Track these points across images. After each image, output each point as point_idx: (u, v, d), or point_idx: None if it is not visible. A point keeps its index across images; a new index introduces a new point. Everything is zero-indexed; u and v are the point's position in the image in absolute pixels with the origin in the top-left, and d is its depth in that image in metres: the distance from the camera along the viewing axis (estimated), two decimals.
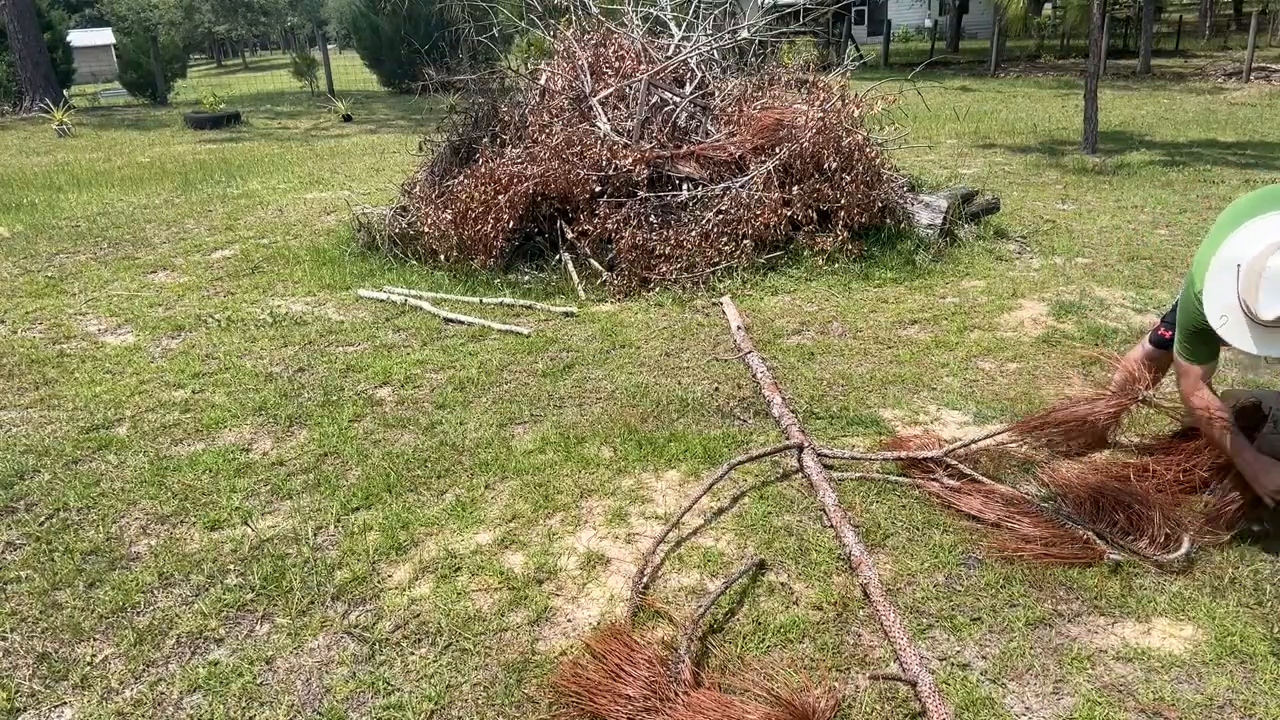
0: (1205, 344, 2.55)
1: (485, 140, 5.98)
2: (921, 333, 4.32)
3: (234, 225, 7.17)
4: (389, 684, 2.12)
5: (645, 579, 2.45)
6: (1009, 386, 3.66)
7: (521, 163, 5.46)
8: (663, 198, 5.39)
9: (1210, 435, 2.62)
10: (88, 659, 2.24)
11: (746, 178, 5.39)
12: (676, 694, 1.94)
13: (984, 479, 2.83)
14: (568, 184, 5.32)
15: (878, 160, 5.74)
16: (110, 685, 2.15)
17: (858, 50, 22.54)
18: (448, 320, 4.67)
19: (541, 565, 2.55)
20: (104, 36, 34.97)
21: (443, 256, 5.47)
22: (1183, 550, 2.43)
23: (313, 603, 2.43)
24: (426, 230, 5.59)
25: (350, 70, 22.64)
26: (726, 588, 2.36)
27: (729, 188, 5.37)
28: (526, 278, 5.32)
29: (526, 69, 7.18)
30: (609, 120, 5.74)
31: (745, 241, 5.22)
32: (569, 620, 2.33)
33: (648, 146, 5.55)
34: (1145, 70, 19.16)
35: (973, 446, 2.95)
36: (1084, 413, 2.67)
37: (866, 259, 5.31)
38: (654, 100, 5.92)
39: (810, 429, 3.31)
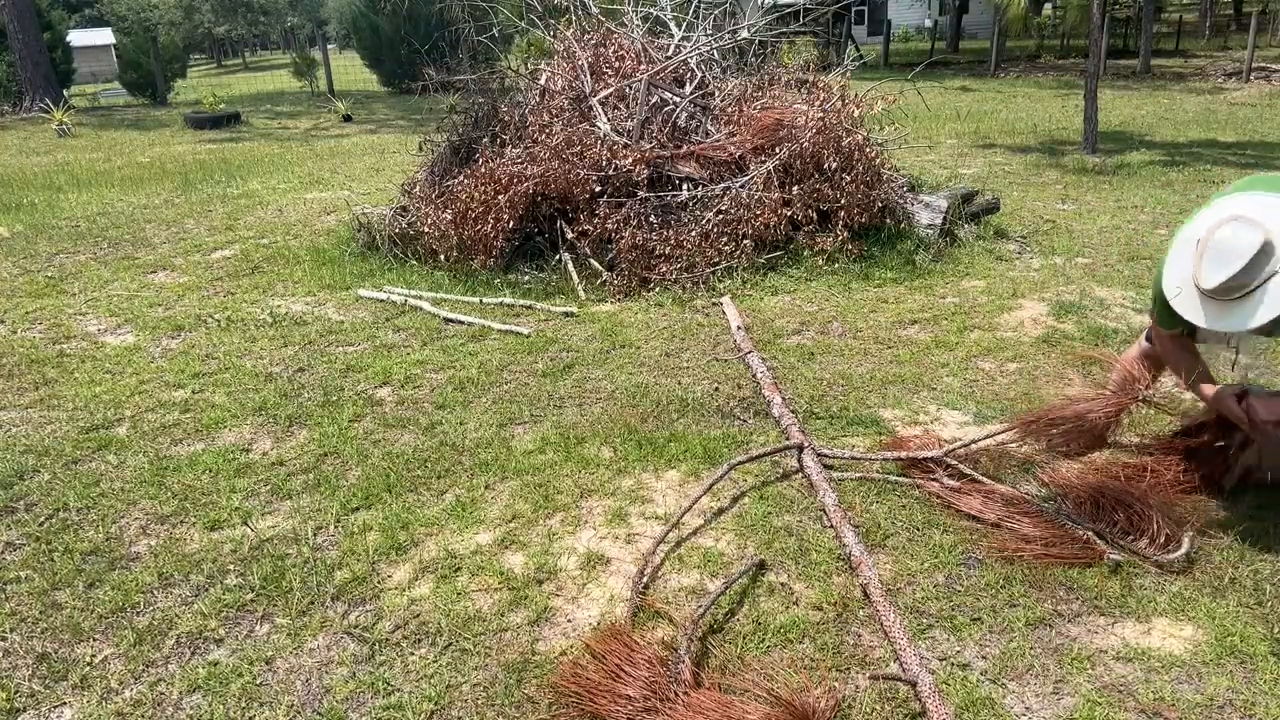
0: (1173, 314, 2.56)
1: (485, 140, 5.98)
2: (921, 333, 4.32)
3: (234, 225, 7.17)
4: (389, 684, 2.12)
5: (645, 579, 2.45)
6: (1009, 386, 3.66)
7: (521, 163, 5.46)
8: (663, 198, 5.39)
9: (1185, 384, 2.72)
10: (87, 659, 2.24)
11: (746, 178, 5.39)
12: (676, 694, 1.94)
13: (984, 479, 2.83)
14: (568, 184, 5.32)
15: (878, 160, 5.74)
16: (110, 685, 2.15)
17: (858, 50, 22.54)
18: (448, 320, 4.67)
19: (541, 565, 2.55)
20: (104, 36, 34.97)
21: (443, 256, 5.47)
22: (1183, 550, 2.43)
23: (313, 603, 2.43)
24: (426, 230, 5.59)
25: (350, 70, 22.64)
26: (726, 588, 2.36)
27: (729, 188, 5.37)
28: (526, 278, 5.32)
29: (526, 69, 7.19)
30: (609, 120, 5.74)
31: (745, 241, 5.22)
32: (569, 620, 2.33)
33: (648, 146, 5.55)
34: (1145, 70, 19.16)
35: (973, 446, 2.95)
36: (1084, 412, 2.67)
37: (866, 259, 5.31)
38: (654, 100, 5.92)
39: (810, 429, 3.31)
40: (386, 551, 2.64)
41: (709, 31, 6.75)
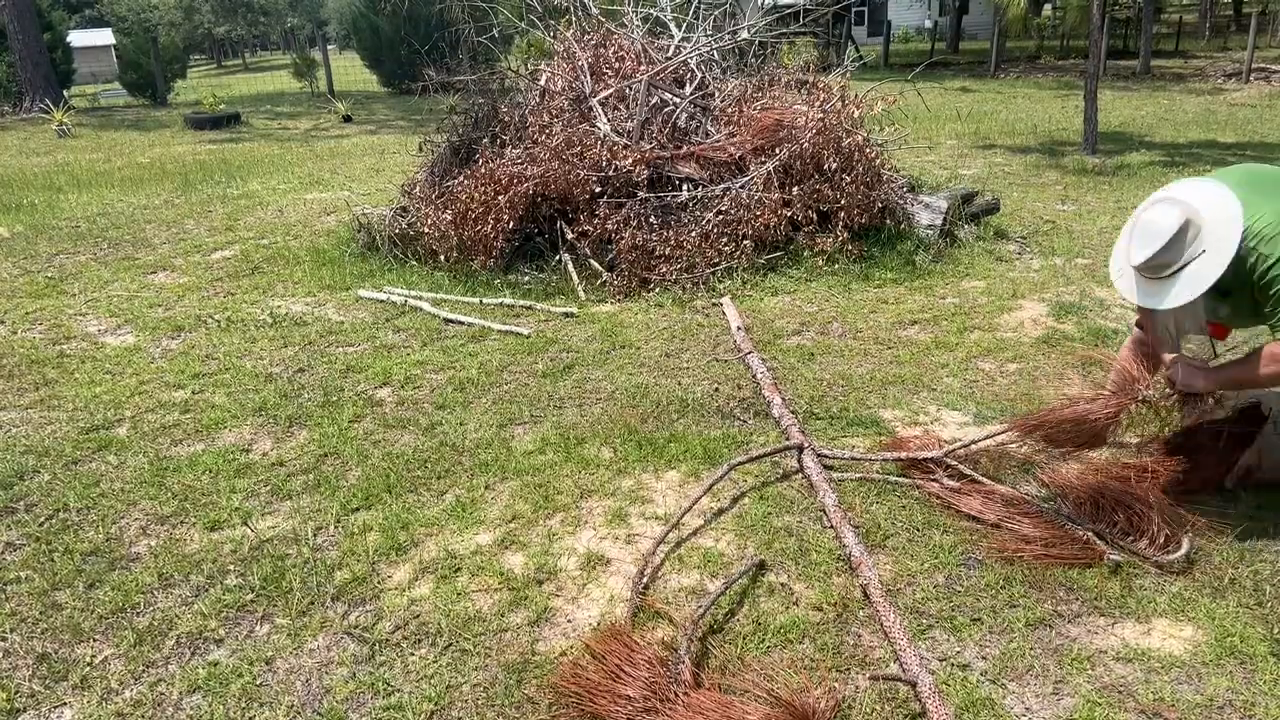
0: None
1: (485, 141, 5.98)
2: (921, 333, 4.32)
3: (234, 226, 7.17)
4: (389, 684, 2.12)
5: (645, 579, 2.45)
6: (1009, 387, 3.66)
7: (521, 163, 5.46)
8: (663, 198, 5.39)
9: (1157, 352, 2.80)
10: (88, 659, 2.24)
11: (746, 178, 5.39)
12: (676, 694, 1.94)
13: (984, 479, 2.83)
14: (568, 184, 5.32)
15: (878, 161, 5.74)
16: (110, 686, 2.15)
17: (858, 51, 22.55)
18: (448, 321, 4.67)
19: (541, 565, 2.55)
20: (104, 37, 34.97)
21: (443, 257, 5.47)
22: (1183, 551, 2.43)
23: (313, 603, 2.43)
24: (426, 231, 5.59)
25: (350, 71, 22.65)
26: (726, 588, 2.36)
27: (729, 188, 5.37)
28: (526, 278, 5.32)
29: (526, 69, 7.19)
30: (609, 121, 5.74)
31: (745, 242, 5.22)
32: (569, 620, 2.33)
33: (648, 147, 5.55)
34: (1145, 71, 19.17)
35: (973, 447, 2.95)
36: (1083, 413, 2.67)
37: (866, 259, 5.32)
38: (654, 101, 5.92)
39: (810, 429, 3.31)
40: (386, 552, 2.64)
41: (709, 32, 6.76)
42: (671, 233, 5.23)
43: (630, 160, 5.35)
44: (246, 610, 2.41)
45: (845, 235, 5.31)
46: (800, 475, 2.96)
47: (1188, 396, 2.68)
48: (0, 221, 7.47)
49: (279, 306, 5.03)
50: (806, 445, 3.00)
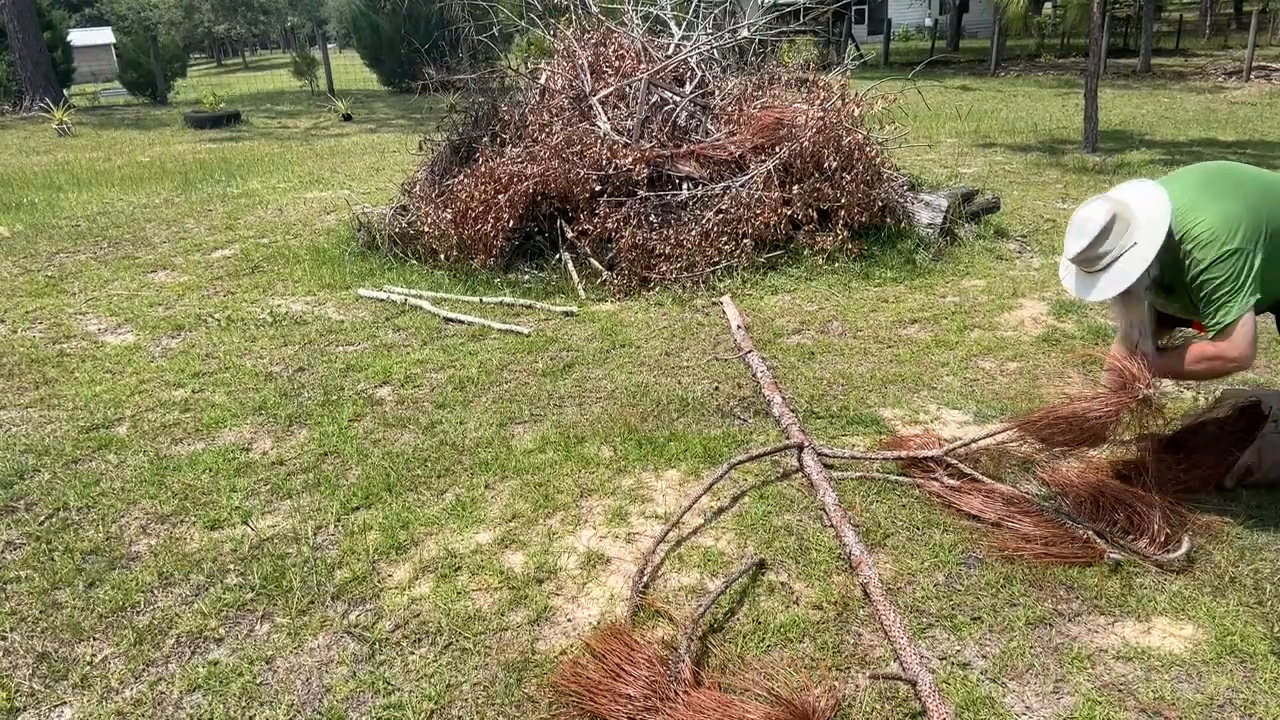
0: None
1: (485, 140, 5.98)
2: (922, 332, 4.32)
3: (234, 225, 7.17)
4: (389, 684, 2.12)
5: (645, 578, 2.45)
6: (1009, 386, 3.66)
7: (521, 162, 5.46)
8: (663, 197, 5.39)
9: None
10: (88, 659, 2.24)
11: (746, 177, 5.39)
12: (676, 693, 1.94)
13: (984, 478, 2.83)
14: (568, 183, 5.32)
15: (878, 159, 5.74)
16: (110, 685, 2.15)
17: (858, 49, 22.54)
18: (448, 320, 4.67)
19: (541, 565, 2.55)
20: (104, 36, 34.97)
21: (443, 256, 5.47)
22: (1183, 550, 2.43)
23: (313, 602, 2.43)
24: (426, 230, 5.59)
25: (350, 70, 22.64)
26: (726, 587, 2.36)
27: (729, 187, 5.37)
28: (526, 277, 5.32)
29: (526, 68, 7.18)
30: (609, 119, 5.74)
31: (745, 241, 5.22)
32: (569, 620, 2.33)
33: (648, 146, 5.55)
34: (1145, 69, 19.16)
35: (973, 446, 2.95)
36: (1084, 412, 2.67)
37: (867, 258, 5.31)
38: (654, 99, 5.92)
39: (810, 428, 3.31)
40: (386, 551, 2.64)
41: (709, 31, 6.75)
42: (671, 231, 5.22)
43: (630, 159, 5.35)
44: (246, 609, 2.41)
45: (845, 234, 5.30)
46: (800, 474, 2.96)
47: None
48: (0, 220, 7.47)
49: (279, 305, 5.03)
50: (806, 444, 3.00)
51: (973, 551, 2.54)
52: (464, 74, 6.93)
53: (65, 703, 2.11)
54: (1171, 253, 2.50)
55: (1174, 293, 2.63)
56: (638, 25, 6.71)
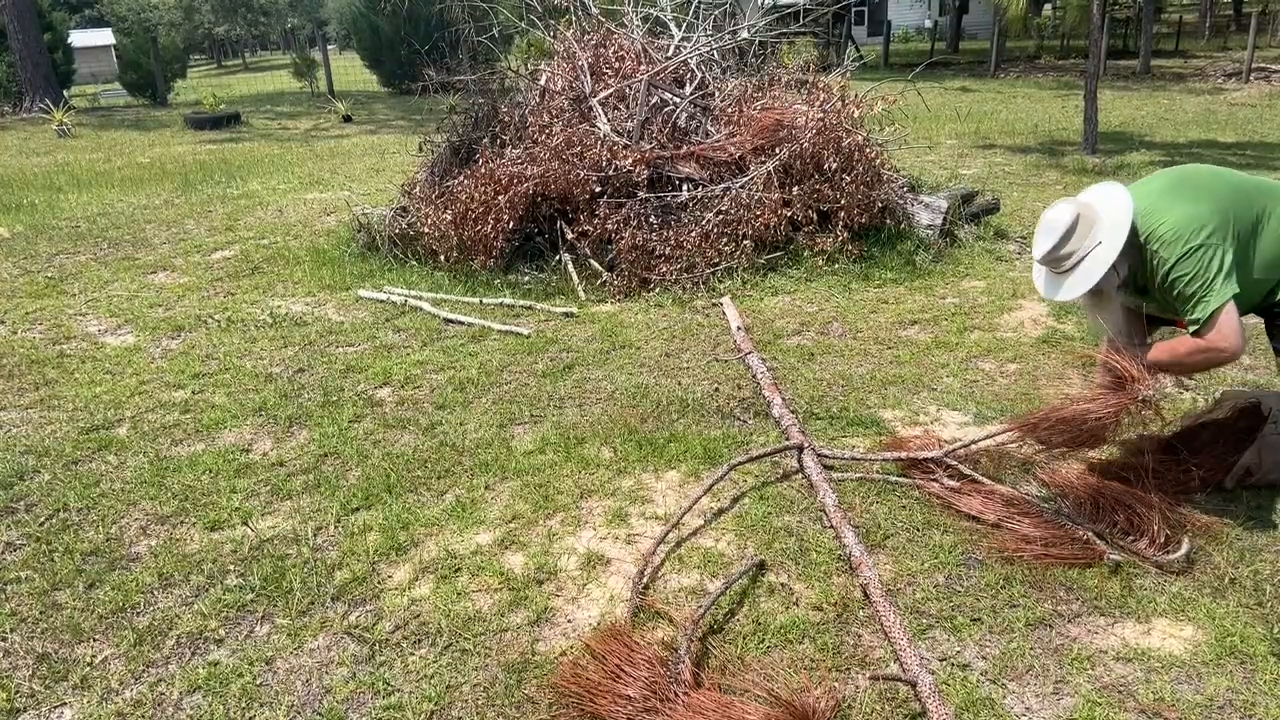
0: None
1: (485, 141, 5.98)
2: (921, 333, 4.32)
3: (234, 226, 7.17)
4: (389, 684, 2.12)
5: (645, 579, 2.45)
6: (1009, 387, 3.66)
7: (521, 163, 5.46)
8: (663, 198, 5.39)
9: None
10: (88, 659, 2.24)
11: (746, 178, 5.39)
12: (676, 694, 1.94)
13: (984, 479, 2.83)
14: (568, 184, 5.32)
15: (878, 160, 5.74)
16: (110, 685, 2.15)
17: (858, 51, 22.54)
18: (448, 321, 4.67)
19: (541, 565, 2.55)
20: (104, 37, 34.95)
21: (443, 257, 5.47)
22: (1182, 551, 2.43)
23: (313, 603, 2.43)
24: (426, 231, 5.59)
25: (350, 71, 22.64)
26: (726, 588, 2.36)
27: (729, 188, 5.37)
28: (526, 278, 5.32)
29: (526, 69, 7.19)
30: (609, 121, 5.74)
31: (745, 242, 5.22)
32: (569, 620, 2.33)
33: (648, 147, 5.55)
34: (1145, 71, 19.16)
35: (973, 447, 2.95)
36: (1084, 412, 2.67)
37: (866, 259, 5.32)
38: (654, 101, 5.92)
39: (810, 429, 3.31)
40: (386, 552, 2.64)
41: (709, 32, 6.75)
42: (671, 233, 5.23)
43: (630, 160, 5.35)
44: (246, 610, 2.42)
45: (845, 235, 5.31)
46: (800, 475, 2.96)
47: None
48: (0, 221, 7.47)
49: (279, 306, 5.03)
50: (806, 445, 3.00)
51: (972, 553, 2.54)
52: (464, 75, 6.94)
53: (65, 703, 2.11)
54: (1138, 253, 2.54)
55: (1148, 293, 2.67)
56: (638, 27, 6.71)
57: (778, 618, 2.29)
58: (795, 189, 5.37)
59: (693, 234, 5.20)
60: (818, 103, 5.80)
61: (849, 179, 5.41)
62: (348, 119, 15.57)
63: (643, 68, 6.02)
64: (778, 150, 5.50)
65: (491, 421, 3.48)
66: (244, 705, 2.07)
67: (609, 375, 3.91)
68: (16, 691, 2.14)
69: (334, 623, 2.35)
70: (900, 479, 2.92)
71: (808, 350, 4.12)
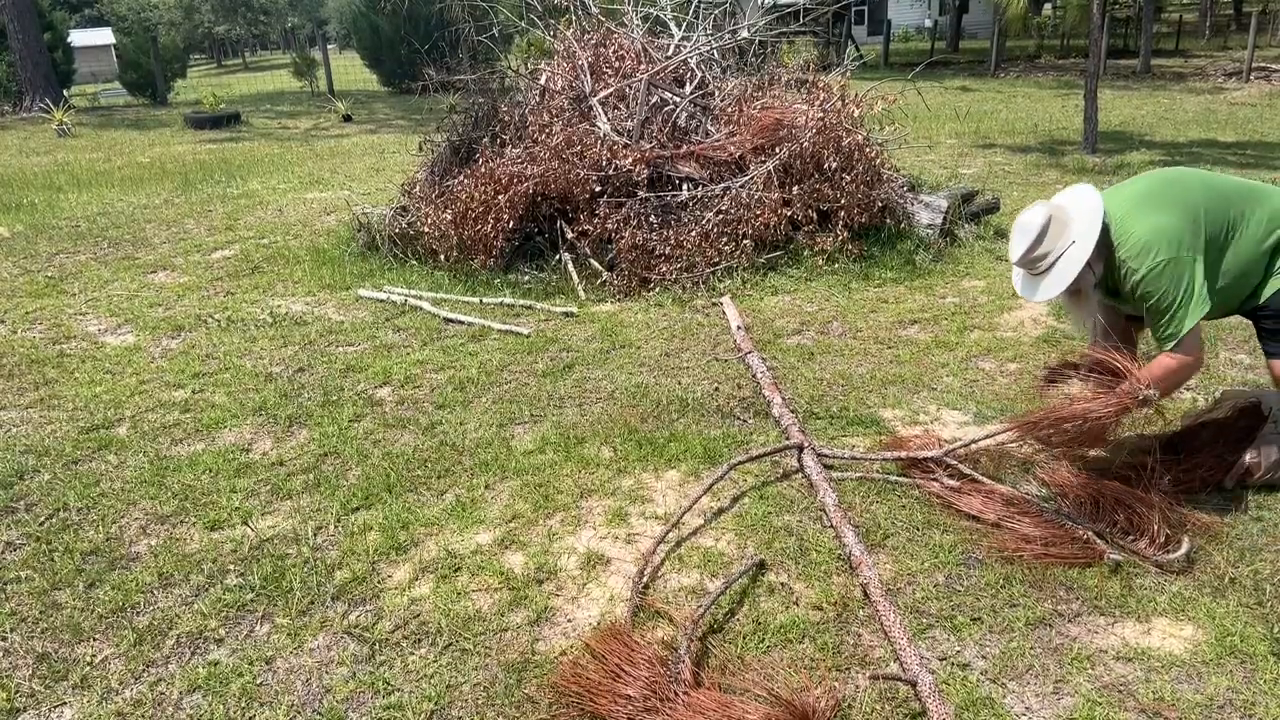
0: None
1: (485, 140, 5.98)
2: (921, 333, 4.32)
3: (234, 225, 7.17)
4: (389, 684, 2.12)
5: (645, 579, 2.45)
6: (1009, 386, 3.66)
7: (521, 163, 5.46)
8: (663, 198, 5.39)
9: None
10: (88, 659, 2.25)
11: (746, 178, 5.39)
12: (676, 694, 1.94)
13: (984, 479, 2.83)
14: (568, 184, 5.32)
15: (878, 160, 5.74)
16: (110, 685, 2.15)
17: (858, 50, 22.54)
18: (448, 320, 4.67)
19: (541, 565, 2.55)
20: (104, 36, 34.96)
21: (443, 256, 5.47)
22: (1183, 550, 2.43)
23: (313, 603, 2.43)
24: (426, 230, 5.59)
25: (350, 70, 22.64)
26: (726, 588, 2.36)
27: (729, 188, 5.37)
28: (526, 278, 5.32)
29: (526, 69, 7.18)
30: (609, 120, 5.74)
31: (745, 241, 5.22)
32: (569, 620, 2.33)
33: (648, 146, 5.55)
34: (1145, 70, 19.16)
35: (973, 446, 2.95)
36: (1084, 412, 2.67)
37: (866, 259, 5.31)
38: (654, 100, 5.92)
39: (810, 429, 3.31)
40: (386, 551, 2.64)
41: (709, 31, 6.75)
42: (671, 232, 5.22)
43: (630, 160, 5.35)
44: (246, 610, 2.42)
45: (845, 234, 5.31)
46: (800, 475, 2.96)
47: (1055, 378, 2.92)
48: (0, 221, 7.47)
49: (279, 306, 5.03)
50: (806, 445, 3.00)
51: (972, 552, 2.54)
52: (464, 75, 6.93)
53: (65, 703, 2.11)
54: (1111, 255, 2.58)
55: (1120, 295, 2.70)
56: (638, 26, 6.71)
57: (778, 617, 2.29)
58: (795, 188, 5.37)
59: (693, 233, 5.20)
60: (818, 102, 5.80)
61: (849, 178, 5.41)
62: (348, 118, 15.57)
63: (643, 67, 6.02)
64: (778, 150, 5.49)
65: (491, 421, 3.48)
66: (244, 705, 2.08)
67: (609, 375, 3.91)
68: (16, 691, 2.14)
69: (334, 622, 2.35)
70: (900, 479, 2.92)
71: (808, 350, 4.12)
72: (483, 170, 5.51)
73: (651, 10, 7.10)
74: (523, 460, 3.16)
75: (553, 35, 6.91)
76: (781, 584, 2.43)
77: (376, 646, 2.25)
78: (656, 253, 5.16)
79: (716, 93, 6.17)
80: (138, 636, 2.31)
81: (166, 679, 2.17)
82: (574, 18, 6.97)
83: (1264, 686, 2.02)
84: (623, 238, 5.16)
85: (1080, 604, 2.32)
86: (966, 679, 2.07)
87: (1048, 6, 30.22)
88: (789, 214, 5.33)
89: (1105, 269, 2.62)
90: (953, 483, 2.83)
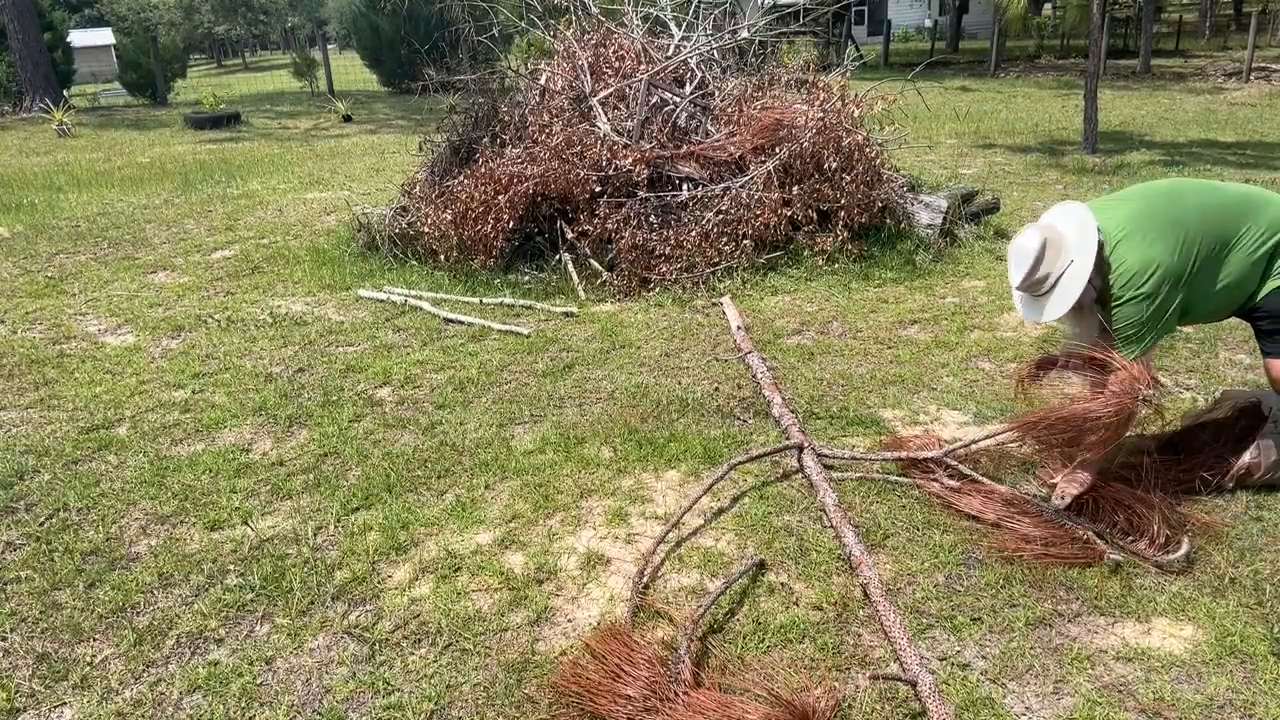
0: None
1: (485, 140, 5.98)
2: (921, 333, 4.32)
3: (234, 225, 7.17)
4: (389, 684, 2.12)
5: (645, 579, 2.45)
6: (1009, 386, 3.66)
7: (521, 163, 5.46)
8: (663, 198, 5.39)
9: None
10: (88, 659, 2.25)
11: (746, 178, 5.39)
12: (676, 694, 1.94)
13: (984, 479, 2.83)
14: (568, 184, 5.32)
15: (878, 160, 5.74)
16: (110, 685, 2.15)
17: (858, 50, 22.54)
18: (448, 320, 4.67)
19: (541, 565, 2.55)
20: (104, 37, 34.94)
21: (443, 256, 5.47)
22: (1182, 551, 2.43)
23: (313, 603, 2.43)
24: (426, 230, 5.59)
25: (350, 70, 22.64)
26: (726, 588, 2.36)
27: (729, 188, 5.37)
28: (526, 278, 5.32)
29: (526, 69, 7.18)
30: (609, 120, 5.74)
31: (745, 241, 5.22)
32: (569, 620, 2.33)
33: (648, 146, 5.55)
34: (1145, 70, 19.16)
35: (973, 447, 2.95)
36: (1083, 412, 2.67)
37: (866, 259, 5.31)
38: (654, 100, 5.92)
39: (810, 429, 3.31)
40: (386, 551, 2.64)
41: (709, 31, 6.75)
42: (671, 232, 5.23)
43: (630, 160, 5.35)
44: (246, 610, 2.41)
45: (845, 235, 5.31)
46: (800, 475, 2.96)
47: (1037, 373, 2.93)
48: (0, 221, 7.47)
49: (279, 306, 5.03)
50: (806, 445, 3.00)
51: (972, 552, 2.54)
52: (464, 75, 6.93)
53: (65, 703, 2.11)
54: (1106, 272, 2.60)
55: (1105, 306, 2.71)
56: (638, 26, 6.71)
57: (778, 617, 2.29)
58: (795, 188, 5.37)
59: (693, 233, 5.20)
60: (818, 102, 5.80)
61: (849, 178, 5.41)
62: (348, 118, 15.57)
63: (643, 67, 6.02)
64: (778, 150, 5.49)
65: (491, 421, 3.48)
66: (244, 705, 2.08)
67: (609, 375, 3.91)
68: (16, 691, 2.14)
69: (334, 622, 2.35)
70: (900, 479, 2.92)
71: (808, 350, 4.12)
72: (483, 170, 5.51)
73: (651, 10, 7.10)
74: (523, 460, 3.16)
75: (553, 35, 6.91)
76: (781, 584, 2.43)
77: (376, 646, 2.25)
78: (656, 253, 5.16)
79: (716, 93, 6.17)
80: (138, 636, 2.31)
81: (166, 679, 2.17)
82: (574, 18, 6.97)
83: (1264, 686, 2.02)
84: (623, 238, 5.16)
85: (1080, 604, 2.32)
86: (966, 679, 2.07)
87: (1048, 6, 30.23)
88: (789, 214, 5.33)
89: (1103, 281, 2.63)
90: (953, 483, 2.83)
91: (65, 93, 18.87)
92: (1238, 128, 11.25)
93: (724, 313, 4.62)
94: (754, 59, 6.94)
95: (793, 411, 3.39)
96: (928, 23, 33.97)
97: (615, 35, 6.53)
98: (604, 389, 3.76)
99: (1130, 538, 2.53)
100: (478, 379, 3.90)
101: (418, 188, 6.28)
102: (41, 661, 2.24)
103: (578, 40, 6.51)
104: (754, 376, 3.75)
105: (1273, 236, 2.58)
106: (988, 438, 2.99)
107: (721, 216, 5.27)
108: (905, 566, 2.49)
